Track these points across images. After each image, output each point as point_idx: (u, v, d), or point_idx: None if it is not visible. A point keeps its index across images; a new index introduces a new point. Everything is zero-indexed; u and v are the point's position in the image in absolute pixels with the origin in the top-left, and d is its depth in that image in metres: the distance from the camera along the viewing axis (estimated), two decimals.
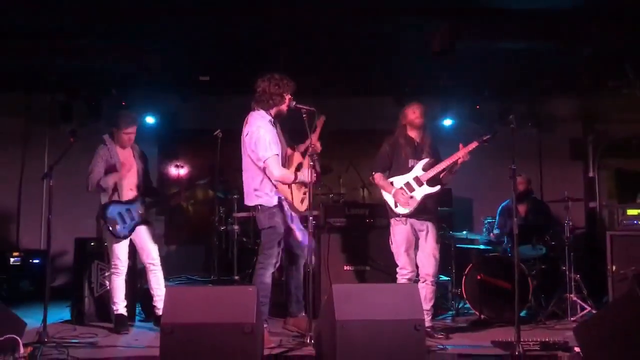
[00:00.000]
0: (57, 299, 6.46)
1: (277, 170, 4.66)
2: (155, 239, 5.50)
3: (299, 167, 4.94)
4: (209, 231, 7.07)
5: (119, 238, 5.20)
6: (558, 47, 6.41)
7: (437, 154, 5.12)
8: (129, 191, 5.35)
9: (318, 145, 4.83)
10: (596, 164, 8.19)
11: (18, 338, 4.07)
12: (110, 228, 5.16)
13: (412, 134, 5.15)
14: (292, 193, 4.81)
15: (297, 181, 4.78)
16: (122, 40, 6.60)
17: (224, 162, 6.22)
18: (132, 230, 5.28)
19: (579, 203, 7.01)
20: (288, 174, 4.77)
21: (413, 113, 5.11)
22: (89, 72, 7.36)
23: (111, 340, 4.96)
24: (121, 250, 5.25)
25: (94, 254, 5.73)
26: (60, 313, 5.92)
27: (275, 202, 4.79)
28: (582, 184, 8.29)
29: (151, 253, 5.39)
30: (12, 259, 7.28)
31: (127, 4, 5.73)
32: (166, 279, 7.52)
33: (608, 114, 7.95)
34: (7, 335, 4.02)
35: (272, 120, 4.80)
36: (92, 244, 5.79)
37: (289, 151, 4.99)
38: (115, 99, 7.53)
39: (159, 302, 5.29)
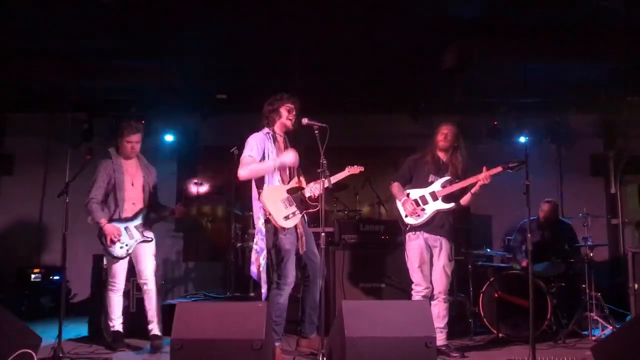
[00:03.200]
0: (77, 315, 6.56)
1: (241, 169, 4.63)
2: (172, 255, 5.47)
3: (296, 191, 4.78)
4: (226, 248, 7.11)
5: (116, 258, 5.11)
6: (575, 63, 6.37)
7: (463, 176, 5.00)
8: (131, 206, 5.21)
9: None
10: (618, 180, 8.05)
11: (33, 353, 4.12)
12: (108, 248, 5.07)
13: (440, 153, 5.11)
14: (276, 209, 4.61)
15: (277, 162, 4.68)
16: (145, 60, 6.74)
17: None
18: (130, 250, 5.15)
19: (600, 220, 6.88)
20: (254, 166, 4.63)
21: (440, 134, 5.08)
22: (110, 92, 7.52)
23: (126, 357, 4.96)
24: (119, 268, 5.16)
25: None
26: (79, 329, 5.97)
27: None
28: (603, 200, 8.15)
29: (143, 272, 5.22)
30: (33, 275, 7.42)
31: (150, 25, 5.87)
32: (184, 295, 7.55)
33: (629, 130, 7.82)
34: (22, 350, 4.07)
35: (272, 134, 4.81)
36: None
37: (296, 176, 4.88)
38: (135, 117, 7.63)
39: (151, 322, 5.20)
